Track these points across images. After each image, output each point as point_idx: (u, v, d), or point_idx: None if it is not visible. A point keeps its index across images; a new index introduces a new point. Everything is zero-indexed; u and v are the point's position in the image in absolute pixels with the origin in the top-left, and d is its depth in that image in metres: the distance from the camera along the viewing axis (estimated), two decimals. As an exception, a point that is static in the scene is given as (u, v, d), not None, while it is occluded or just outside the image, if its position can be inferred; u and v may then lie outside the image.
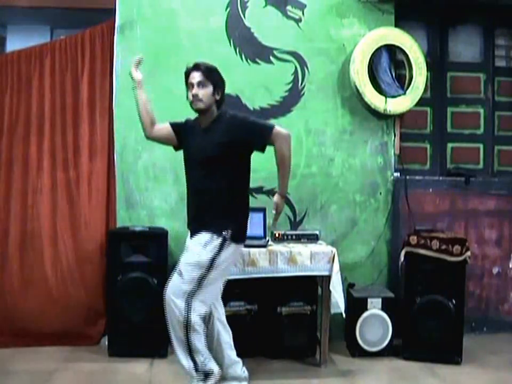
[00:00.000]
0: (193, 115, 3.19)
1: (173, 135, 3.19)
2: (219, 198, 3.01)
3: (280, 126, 3.08)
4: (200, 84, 3.00)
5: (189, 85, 3.05)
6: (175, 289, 2.97)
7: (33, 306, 4.01)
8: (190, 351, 2.98)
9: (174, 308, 2.95)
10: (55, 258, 4.07)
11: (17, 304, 4.02)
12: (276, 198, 3.13)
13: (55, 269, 4.06)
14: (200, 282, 2.96)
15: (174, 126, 3.21)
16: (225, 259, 3.02)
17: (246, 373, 3.26)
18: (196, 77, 3.01)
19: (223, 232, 2.99)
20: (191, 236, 3.09)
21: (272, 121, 4.12)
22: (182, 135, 3.18)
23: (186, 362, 3.00)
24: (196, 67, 3.04)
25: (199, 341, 2.98)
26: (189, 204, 3.15)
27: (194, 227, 3.08)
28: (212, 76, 3.04)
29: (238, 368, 3.23)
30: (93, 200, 4.12)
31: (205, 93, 3.01)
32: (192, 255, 2.99)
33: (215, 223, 3.00)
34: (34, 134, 4.11)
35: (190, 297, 2.95)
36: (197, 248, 2.98)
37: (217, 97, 3.07)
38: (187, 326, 2.94)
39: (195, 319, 2.95)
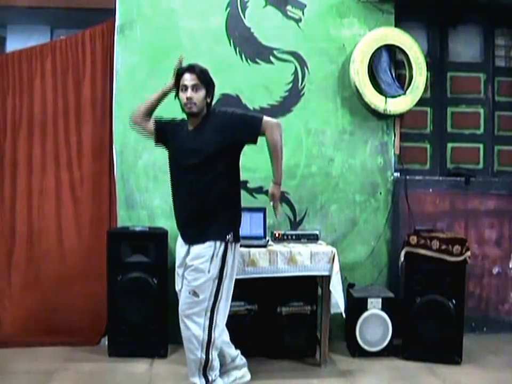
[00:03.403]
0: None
1: (153, 131, 3.17)
2: (217, 200, 2.98)
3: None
4: (194, 87, 2.96)
5: (181, 87, 3.00)
6: (195, 310, 2.94)
7: (37, 305, 4.06)
8: (205, 368, 2.99)
9: (197, 328, 2.93)
10: (59, 257, 4.12)
11: (21, 302, 4.07)
12: (271, 187, 3.10)
13: (59, 268, 4.11)
14: (217, 294, 2.95)
15: (157, 123, 3.17)
16: (232, 261, 3.03)
17: (244, 360, 3.32)
18: (191, 79, 2.97)
19: (227, 237, 2.98)
20: (191, 243, 3.02)
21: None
22: (165, 133, 3.14)
23: (198, 380, 3.00)
24: (191, 69, 2.99)
25: (215, 359, 3.01)
26: (180, 208, 3.09)
27: (193, 234, 3.01)
28: (205, 79, 3.01)
29: (237, 359, 3.28)
30: (96, 200, 4.15)
31: (199, 96, 2.97)
32: (202, 274, 2.93)
33: (217, 229, 2.97)
34: (38, 135, 4.14)
35: (212, 313, 2.95)
36: (205, 265, 2.93)
37: (209, 100, 3.04)
38: (209, 344, 2.95)
39: (216, 335, 2.97)
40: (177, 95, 3.05)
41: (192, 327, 2.94)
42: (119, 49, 4.09)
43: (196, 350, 2.95)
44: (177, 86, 3.03)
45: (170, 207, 4.07)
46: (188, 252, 3.05)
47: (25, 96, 4.14)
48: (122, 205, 4.12)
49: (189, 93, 2.96)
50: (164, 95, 3.15)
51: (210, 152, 2.94)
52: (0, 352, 3.82)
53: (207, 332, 2.94)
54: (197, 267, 2.94)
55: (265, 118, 3.01)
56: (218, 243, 2.96)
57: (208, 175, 2.96)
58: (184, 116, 3.12)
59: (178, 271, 3.13)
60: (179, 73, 3.02)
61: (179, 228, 3.14)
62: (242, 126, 3.00)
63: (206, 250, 2.95)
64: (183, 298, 2.98)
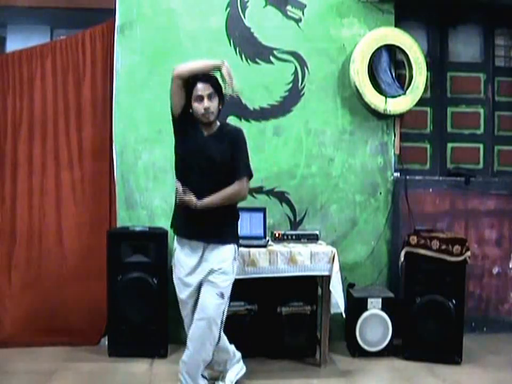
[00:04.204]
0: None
1: (182, 105, 3.01)
2: (229, 206, 3.05)
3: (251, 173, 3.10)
4: (210, 96, 2.95)
5: (195, 97, 2.95)
6: (218, 312, 2.97)
7: (37, 305, 4.07)
8: (205, 367, 3.04)
9: (217, 329, 2.97)
10: (59, 257, 4.13)
11: (21, 302, 4.07)
12: (198, 200, 2.94)
13: (59, 268, 4.12)
14: (229, 295, 3.04)
15: (187, 106, 3.04)
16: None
17: (239, 353, 3.38)
18: (205, 89, 2.94)
19: (240, 241, 3.14)
20: (209, 242, 3.00)
21: (272, 121, 4.18)
22: (185, 118, 3.05)
23: (202, 381, 3.03)
24: (203, 78, 2.96)
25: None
26: (190, 211, 3.00)
27: (209, 234, 3.00)
28: (218, 86, 3.01)
29: (236, 353, 3.35)
30: (96, 200, 4.16)
31: (215, 105, 2.98)
32: (229, 275, 3.00)
33: (232, 233, 3.08)
34: (38, 135, 4.15)
35: (224, 314, 3.01)
36: (230, 267, 3.01)
37: (221, 107, 3.06)
38: (217, 343, 3.01)
39: (222, 336, 3.05)
40: (190, 105, 3.01)
41: (215, 329, 2.96)
42: (119, 49, 4.09)
43: (210, 351, 2.98)
44: (190, 96, 2.99)
45: (170, 207, 4.07)
46: (202, 257, 3.02)
47: (25, 96, 4.14)
48: (122, 205, 4.12)
49: (206, 102, 2.94)
50: (213, 68, 3.00)
51: (222, 161, 2.99)
52: (0, 352, 3.83)
53: (220, 332, 3.01)
54: (225, 269, 2.99)
55: (244, 179, 3.03)
56: (235, 246, 3.06)
57: (219, 179, 2.98)
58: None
59: (186, 280, 3.05)
60: (190, 83, 2.98)
61: (186, 226, 3.06)
62: (239, 161, 3.03)
63: (229, 252, 3.03)
64: (211, 302, 2.95)
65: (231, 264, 3.02)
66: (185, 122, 3.06)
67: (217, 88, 2.99)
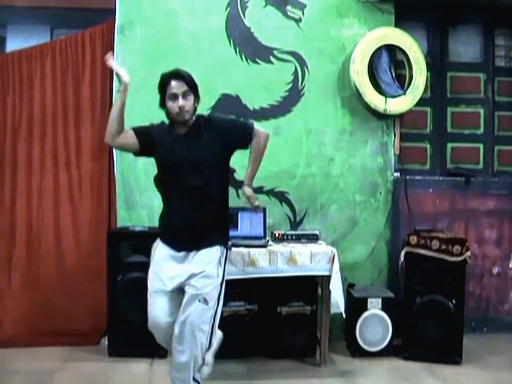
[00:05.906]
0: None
1: (136, 143, 2.87)
2: (217, 206, 2.90)
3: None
4: (185, 94, 2.83)
5: (169, 96, 2.81)
6: (204, 319, 2.82)
7: (37, 305, 4.07)
8: (195, 372, 2.93)
9: (202, 335, 2.82)
10: (59, 257, 4.13)
11: (21, 302, 4.08)
12: (248, 190, 3.02)
13: (59, 268, 4.12)
14: (219, 300, 2.89)
15: (139, 133, 2.88)
16: (226, 268, 2.99)
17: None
18: (179, 86, 2.80)
19: (229, 243, 2.99)
20: (196, 250, 2.86)
21: (272, 121, 4.18)
22: (151, 142, 2.88)
23: None
24: (177, 76, 2.84)
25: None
26: (178, 215, 2.89)
27: (196, 242, 2.87)
28: (193, 83, 2.89)
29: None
30: (96, 200, 4.17)
31: (190, 103, 2.85)
32: (212, 279, 2.84)
33: (220, 234, 2.93)
34: (37, 135, 4.16)
35: (214, 320, 2.87)
36: (214, 270, 2.85)
37: (197, 105, 2.92)
38: (208, 348, 2.90)
39: (214, 342, 2.94)
40: (162, 103, 2.88)
41: (202, 335, 2.82)
42: (119, 49, 4.08)
43: (199, 357, 2.86)
44: (163, 94, 2.86)
45: (170, 207, 4.10)
46: (185, 260, 2.88)
47: (25, 96, 4.15)
48: (122, 205, 4.12)
49: (181, 101, 2.81)
50: (123, 98, 2.83)
51: (208, 158, 2.85)
52: (0, 352, 3.82)
53: (209, 339, 2.86)
54: (208, 273, 2.83)
55: (256, 127, 2.99)
56: (222, 248, 2.91)
57: (206, 181, 2.85)
58: (160, 118, 2.99)
59: (166, 281, 2.88)
60: (163, 81, 2.85)
61: (174, 236, 2.92)
62: (236, 131, 2.95)
63: (214, 254, 2.87)
64: (193, 309, 2.80)
65: (216, 267, 2.84)
66: (152, 142, 2.90)
67: (192, 86, 2.87)
